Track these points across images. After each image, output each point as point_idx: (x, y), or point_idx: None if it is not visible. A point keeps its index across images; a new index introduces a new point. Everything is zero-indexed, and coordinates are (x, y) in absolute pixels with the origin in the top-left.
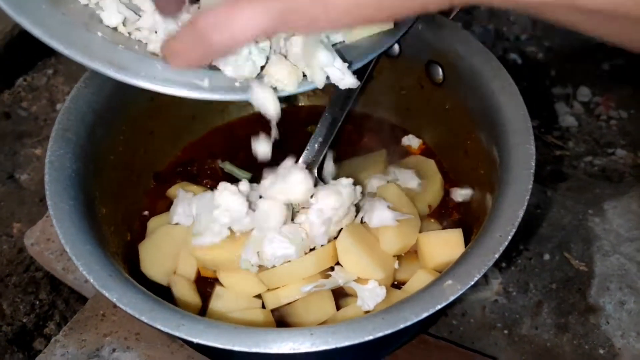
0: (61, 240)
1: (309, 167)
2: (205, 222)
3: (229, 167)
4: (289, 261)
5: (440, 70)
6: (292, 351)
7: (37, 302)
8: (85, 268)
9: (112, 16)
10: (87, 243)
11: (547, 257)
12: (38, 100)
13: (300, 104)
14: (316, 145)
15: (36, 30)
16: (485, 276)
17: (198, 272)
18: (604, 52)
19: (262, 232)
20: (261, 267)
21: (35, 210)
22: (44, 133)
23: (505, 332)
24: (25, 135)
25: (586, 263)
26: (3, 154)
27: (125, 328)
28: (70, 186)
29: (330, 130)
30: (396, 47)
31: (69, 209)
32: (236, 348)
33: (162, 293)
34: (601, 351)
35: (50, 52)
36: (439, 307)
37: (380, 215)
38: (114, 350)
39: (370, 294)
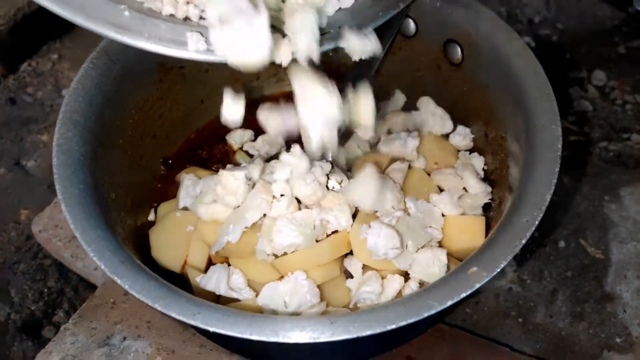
0: (71, 226)
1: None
2: (208, 199)
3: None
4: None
5: (459, 49)
6: (312, 340)
7: (46, 290)
8: (97, 254)
9: None
10: (98, 228)
11: (562, 244)
12: (43, 85)
13: None
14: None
15: None
16: None
17: (209, 259)
18: (620, 35)
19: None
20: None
21: (43, 197)
22: (50, 119)
23: (520, 320)
24: (31, 121)
25: (602, 250)
26: (9, 141)
27: (137, 316)
28: (79, 169)
29: None
30: (412, 25)
31: (78, 193)
32: (254, 337)
33: (174, 280)
34: (618, 340)
35: (55, 36)
36: (463, 294)
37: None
38: (124, 338)
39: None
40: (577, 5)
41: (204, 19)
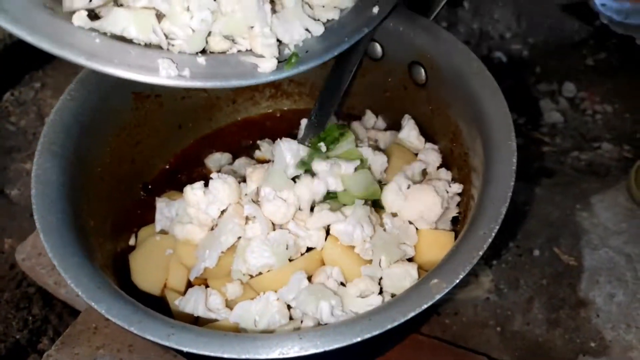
0: (49, 254)
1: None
2: (184, 220)
3: None
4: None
5: (422, 71)
6: (281, 356)
7: (30, 318)
8: (74, 281)
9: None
10: (75, 255)
11: (536, 252)
12: (26, 114)
13: (285, 108)
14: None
15: None
16: (475, 274)
17: (188, 281)
18: (587, 48)
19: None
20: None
21: (27, 226)
22: (33, 147)
23: (498, 329)
24: (14, 149)
25: (575, 257)
26: None
27: (118, 340)
28: (57, 199)
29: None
30: (379, 48)
31: (56, 222)
32: (226, 355)
33: (154, 303)
34: (592, 344)
35: (37, 65)
36: (425, 306)
37: None
38: None
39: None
40: (546, 20)
41: (173, 45)
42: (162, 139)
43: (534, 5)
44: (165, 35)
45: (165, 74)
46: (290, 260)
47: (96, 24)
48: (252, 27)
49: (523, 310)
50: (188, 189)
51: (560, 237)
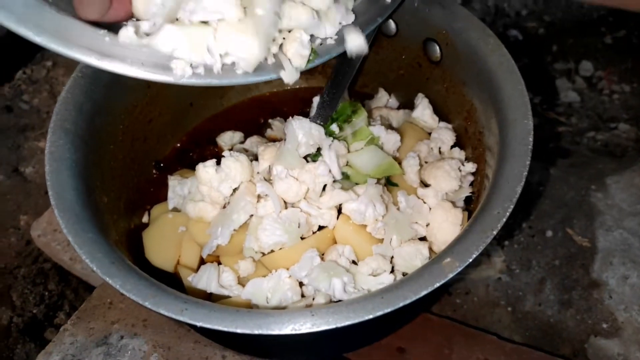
0: (63, 230)
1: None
2: (197, 198)
3: None
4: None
5: (437, 48)
6: (293, 332)
7: (47, 293)
8: (88, 256)
9: None
10: (90, 232)
11: (549, 233)
12: (39, 92)
13: (297, 86)
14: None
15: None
16: (487, 254)
17: (201, 258)
18: (606, 25)
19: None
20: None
21: (42, 203)
22: (46, 126)
23: (509, 309)
24: (28, 128)
25: (589, 239)
26: (6, 148)
27: (133, 315)
28: (71, 176)
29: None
30: (393, 25)
31: (71, 199)
32: (239, 330)
33: (167, 279)
34: (604, 325)
35: None
36: (437, 284)
37: None
38: (122, 337)
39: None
40: None
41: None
42: (174, 117)
43: None
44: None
45: (180, 73)
46: (302, 238)
47: (144, 41)
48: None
49: (535, 291)
50: (200, 166)
51: (574, 218)
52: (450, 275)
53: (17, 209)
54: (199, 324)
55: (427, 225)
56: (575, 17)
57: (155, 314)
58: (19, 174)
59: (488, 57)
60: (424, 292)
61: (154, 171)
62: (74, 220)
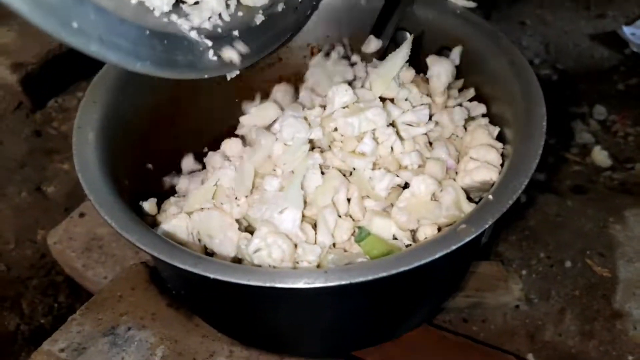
0: (85, 191)
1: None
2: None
3: None
4: None
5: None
6: (306, 286)
7: (56, 305)
8: (107, 213)
9: None
10: (110, 194)
11: (568, 264)
12: (67, 120)
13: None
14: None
15: None
16: (504, 279)
17: None
18: (618, 74)
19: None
20: None
21: (60, 219)
22: (71, 150)
23: (528, 338)
24: (54, 151)
25: (609, 269)
26: (32, 168)
27: (142, 308)
28: (95, 155)
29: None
30: (408, 37)
31: (94, 168)
32: (252, 282)
33: None
34: (630, 357)
35: (82, 75)
36: (453, 247)
37: None
38: (129, 328)
39: None
40: (575, 48)
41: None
42: (197, 124)
43: (562, 34)
44: None
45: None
46: None
47: None
48: None
49: (555, 321)
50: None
51: (593, 249)
52: (466, 239)
53: (35, 223)
54: (212, 275)
55: None
56: (587, 65)
57: (164, 308)
58: (40, 192)
59: (501, 58)
60: (439, 254)
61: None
62: (96, 185)
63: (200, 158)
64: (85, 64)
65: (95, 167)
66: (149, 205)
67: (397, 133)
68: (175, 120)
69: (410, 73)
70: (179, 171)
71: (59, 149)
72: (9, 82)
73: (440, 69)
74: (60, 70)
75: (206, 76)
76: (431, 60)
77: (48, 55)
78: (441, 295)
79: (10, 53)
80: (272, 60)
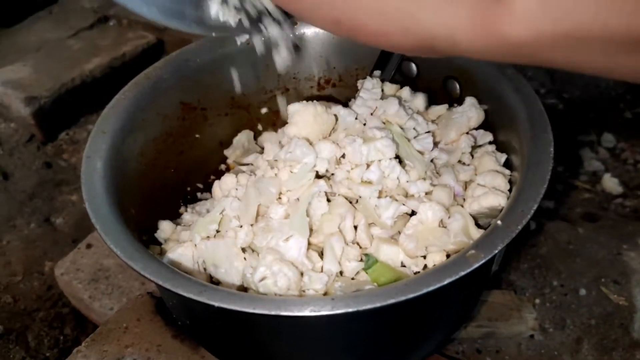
0: (92, 220)
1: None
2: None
3: None
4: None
5: (457, 85)
6: (312, 313)
7: (62, 337)
8: (113, 242)
9: None
10: (117, 223)
11: (583, 292)
12: (77, 152)
13: None
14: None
15: None
16: (518, 309)
17: None
18: (624, 102)
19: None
20: None
21: (68, 251)
22: (80, 182)
23: None
24: (63, 183)
25: (626, 297)
26: (41, 199)
27: (147, 339)
28: (103, 184)
29: None
30: (414, 67)
31: (101, 196)
32: (257, 311)
33: None
34: None
35: (93, 109)
36: (462, 273)
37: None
38: None
39: None
40: (581, 77)
41: None
42: (203, 154)
43: None
44: None
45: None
46: None
47: None
48: None
49: (571, 351)
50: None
51: (608, 277)
52: (475, 265)
53: (43, 255)
54: (216, 304)
55: None
56: (593, 95)
57: (169, 341)
58: (49, 223)
59: (506, 85)
60: (447, 280)
61: (181, 203)
62: (103, 214)
63: (207, 187)
64: (97, 97)
65: (103, 195)
66: (166, 225)
67: (401, 162)
68: (183, 150)
69: (421, 101)
70: (185, 200)
71: (69, 181)
72: (22, 115)
73: (472, 114)
74: (72, 104)
75: (214, 34)
76: (469, 102)
77: (61, 89)
78: (451, 325)
79: (24, 87)
80: (279, 89)
